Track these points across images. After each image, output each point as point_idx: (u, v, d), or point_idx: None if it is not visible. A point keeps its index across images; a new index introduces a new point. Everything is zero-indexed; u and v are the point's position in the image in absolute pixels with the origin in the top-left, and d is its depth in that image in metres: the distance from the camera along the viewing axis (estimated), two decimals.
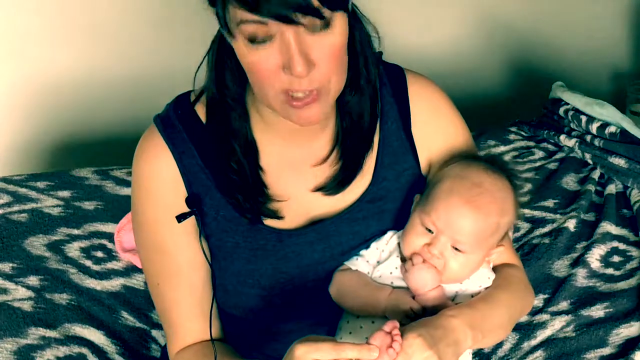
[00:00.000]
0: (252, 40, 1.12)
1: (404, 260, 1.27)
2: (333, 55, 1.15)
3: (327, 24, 1.12)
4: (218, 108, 1.29)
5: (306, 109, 1.17)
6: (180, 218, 1.28)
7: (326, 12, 1.11)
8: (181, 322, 1.33)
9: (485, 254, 1.28)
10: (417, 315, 1.21)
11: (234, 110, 1.28)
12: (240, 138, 1.29)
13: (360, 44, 1.28)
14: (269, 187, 1.31)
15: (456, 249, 1.24)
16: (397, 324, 1.10)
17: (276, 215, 1.31)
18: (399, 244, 1.30)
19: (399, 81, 1.37)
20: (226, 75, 1.26)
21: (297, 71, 1.11)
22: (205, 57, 1.28)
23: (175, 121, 1.31)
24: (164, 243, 1.31)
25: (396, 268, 1.28)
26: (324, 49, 1.13)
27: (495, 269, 1.35)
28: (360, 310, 1.26)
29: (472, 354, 1.64)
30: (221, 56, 1.25)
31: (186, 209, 1.29)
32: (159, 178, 1.30)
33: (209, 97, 1.29)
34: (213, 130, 1.29)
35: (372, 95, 1.32)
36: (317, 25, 1.11)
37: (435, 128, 1.37)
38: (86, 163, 2.27)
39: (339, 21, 1.14)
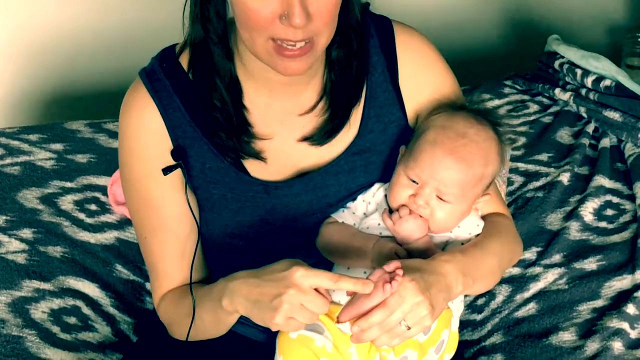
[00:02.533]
0: None
1: (390, 212, 1.27)
2: (329, 9, 1.16)
3: None
4: (201, 47, 1.28)
5: (294, 60, 1.17)
6: (166, 171, 1.29)
7: None
8: (167, 273, 1.35)
9: (471, 202, 1.28)
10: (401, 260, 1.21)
11: (218, 48, 1.27)
12: (223, 76, 1.28)
13: None
14: (254, 126, 1.30)
15: (441, 199, 1.24)
16: (400, 264, 1.11)
17: (259, 156, 1.30)
18: (385, 196, 1.30)
19: (386, 33, 1.36)
20: (210, 11, 1.24)
21: (295, 22, 1.12)
22: None
23: (160, 74, 1.31)
24: (150, 196, 1.32)
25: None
26: (322, 2, 1.15)
27: (484, 217, 1.35)
28: (348, 261, 1.26)
29: (465, 307, 1.65)
30: None
31: (172, 162, 1.29)
32: (145, 132, 1.30)
33: (192, 38, 1.28)
34: (196, 73, 1.29)
35: (359, 47, 1.32)
36: None
37: (423, 80, 1.36)
38: (79, 116, 2.26)
39: None
